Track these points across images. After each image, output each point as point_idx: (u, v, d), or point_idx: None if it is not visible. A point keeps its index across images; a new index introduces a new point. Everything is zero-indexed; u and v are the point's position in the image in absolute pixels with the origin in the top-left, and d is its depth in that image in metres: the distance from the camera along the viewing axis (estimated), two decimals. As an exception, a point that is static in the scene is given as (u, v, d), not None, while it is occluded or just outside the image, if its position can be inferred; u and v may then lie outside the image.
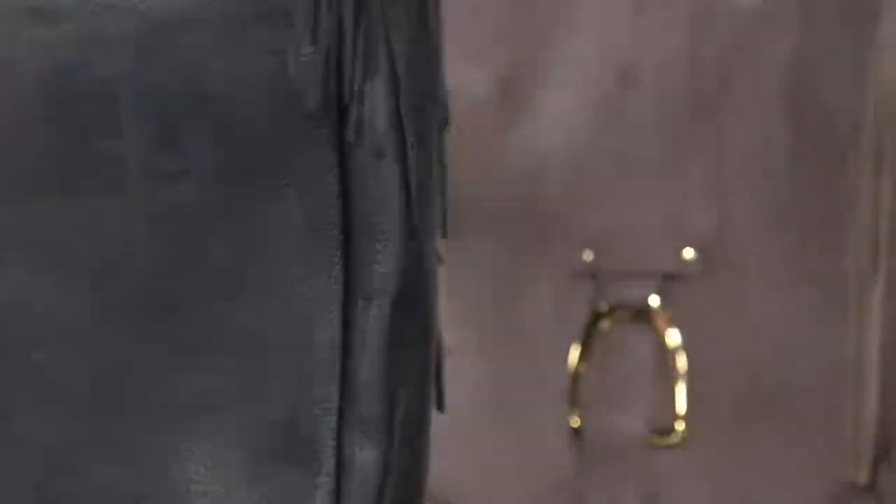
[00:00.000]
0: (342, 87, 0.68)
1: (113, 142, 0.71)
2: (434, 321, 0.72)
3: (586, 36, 1.59)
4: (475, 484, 1.54)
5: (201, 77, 0.69)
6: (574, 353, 1.54)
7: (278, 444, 0.71)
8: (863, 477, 1.49)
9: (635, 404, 1.53)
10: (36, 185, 0.71)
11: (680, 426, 1.50)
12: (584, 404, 1.53)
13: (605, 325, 1.54)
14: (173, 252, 0.71)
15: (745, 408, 1.53)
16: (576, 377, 1.54)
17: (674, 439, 1.51)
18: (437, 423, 0.80)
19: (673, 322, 1.52)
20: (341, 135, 0.68)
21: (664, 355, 1.51)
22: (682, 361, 1.51)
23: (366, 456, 0.71)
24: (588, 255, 1.55)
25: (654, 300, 1.52)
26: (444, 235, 0.76)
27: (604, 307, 1.54)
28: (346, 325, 0.70)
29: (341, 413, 0.70)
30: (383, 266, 0.70)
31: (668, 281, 1.52)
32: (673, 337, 1.52)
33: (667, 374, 1.50)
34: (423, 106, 0.69)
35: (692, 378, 1.50)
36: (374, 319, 0.70)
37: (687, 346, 1.51)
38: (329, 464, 0.71)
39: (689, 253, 1.53)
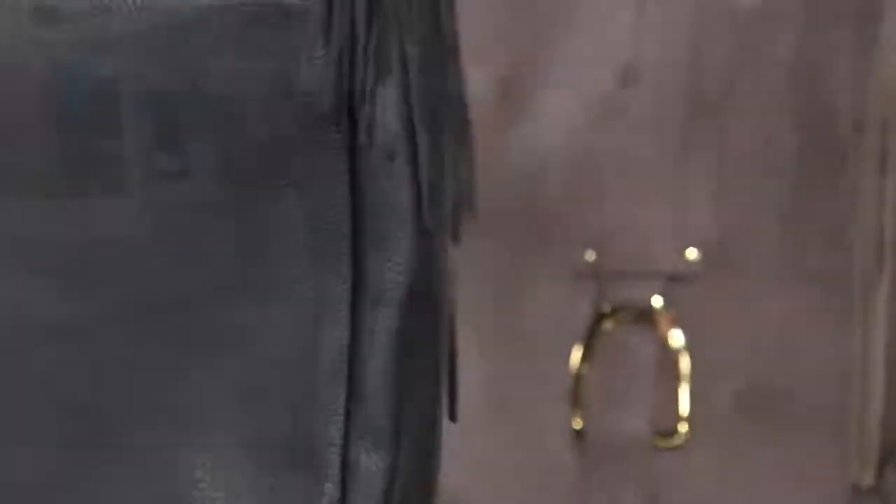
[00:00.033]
0: (354, 89, 0.67)
1: (114, 142, 0.70)
2: (446, 325, 0.71)
3: (586, 36, 1.58)
4: (476, 484, 1.53)
5: (203, 77, 0.68)
6: (576, 354, 1.53)
7: (283, 449, 0.69)
8: (868, 479, 1.47)
9: (638, 406, 1.52)
10: (36, 186, 0.70)
11: (683, 428, 1.49)
12: (586, 405, 1.53)
13: (607, 325, 1.53)
14: (174, 253, 0.70)
15: (749, 409, 1.51)
16: (578, 378, 1.53)
17: (676, 441, 1.50)
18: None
19: (676, 323, 1.51)
20: (352, 136, 0.67)
21: (667, 356, 1.50)
22: (685, 363, 1.50)
23: (372, 462, 0.69)
24: (590, 256, 1.53)
25: (657, 301, 1.52)
26: (472, 216, 0.74)
27: (606, 308, 1.53)
28: (355, 328, 0.69)
29: (348, 418, 0.69)
30: (393, 268, 0.69)
31: (672, 281, 1.52)
32: (676, 338, 1.51)
33: (669, 376, 1.50)
34: (435, 107, 0.68)
35: (695, 379, 1.50)
36: (383, 322, 0.69)
37: (690, 347, 1.50)
38: (335, 470, 0.69)
39: (692, 253, 1.52)
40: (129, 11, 0.68)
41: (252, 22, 0.66)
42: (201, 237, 0.70)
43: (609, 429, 1.52)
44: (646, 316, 1.52)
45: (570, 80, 1.60)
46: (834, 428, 1.48)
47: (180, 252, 0.70)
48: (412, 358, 0.69)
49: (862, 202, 1.54)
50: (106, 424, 0.69)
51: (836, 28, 1.60)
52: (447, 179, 0.69)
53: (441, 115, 0.69)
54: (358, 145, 0.67)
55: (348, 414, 0.69)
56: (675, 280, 1.53)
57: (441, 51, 0.69)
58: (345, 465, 0.69)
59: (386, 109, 0.67)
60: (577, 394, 1.52)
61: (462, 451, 1.52)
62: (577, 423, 1.51)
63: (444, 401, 0.73)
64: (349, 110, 0.67)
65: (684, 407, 1.49)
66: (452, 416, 0.74)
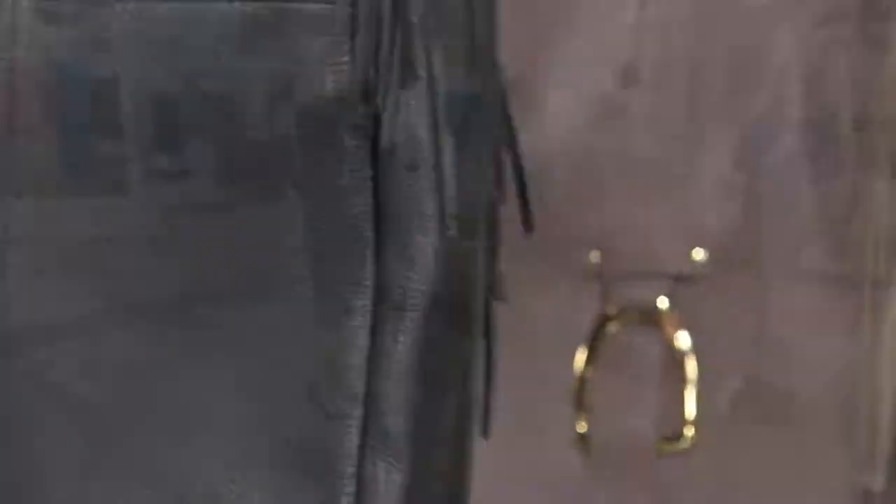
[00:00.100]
0: (378, 95, 0.66)
1: (114, 142, 0.69)
2: (477, 335, 0.69)
3: (586, 36, 1.58)
4: (478, 487, 1.52)
5: (206, 78, 0.68)
6: (580, 357, 1.51)
7: (296, 462, 0.68)
8: (878, 483, 1.45)
9: (643, 409, 1.49)
10: (37, 185, 0.70)
11: (689, 431, 1.48)
12: (591, 408, 1.50)
13: (612, 327, 1.51)
14: (177, 254, 0.70)
15: (756, 412, 1.49)
16: (582, 381, 1.50)
17: (683, 445, 1.49)
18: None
19: (682, 325, 1.50)
20: (375, 142, 0.67)
21: (673, 359, 1.50)
22: (691, 365, 1.49)
23: (390, 477, 0.68)
24: (595, 256, 1.51)
25: (662, 302, 1.51)
26: (528, 232, 0.74)
27: (611, 309, 1.51)
28: (375, 337, 0.67)
29: (365, 431, 0.68)
30: (415, 276, 0.67)
31: (678, 282, 1.51)
32: (682, 340, 1.50)
33: (676, 379, 1.49)
34: (465, 114, 0.68)
35: (702, 381, 1.49)
36: (404, 332, 0.68)
37: (696, 349, 1.50)
38: (350, 484, 0.68)
39: (699, 254, 1.52)
40: (134, 12, 0.68)
41: (274, 26, 0.66)
42: (202, 237, 0.70)
43: (614, 432, 1.50)
44: (651, 317, 1.52)
45: (570, 80, 1.60)
46: (843, 431, 1.47)
47: (181, 254, 0.70)
48: (436, 370, 0.68)
49: (872, 203, 1.54)
50: (117, 436, 0.69)
51: (838, 27, 1.60)
52: (477, 186, 0.69)
53: (471, 122, 0.68)
54: (381, 151, 0.67)
55: (365, 427, 0.67)
56: (681, 281, 1.52)
57: (473, 56, 0.69)
58: (360, 480, 0.68)
59: (410, 116, 0.67)
60: (581, 397, 1.51)
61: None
62: (582, 427, 1.51)
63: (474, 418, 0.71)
64: (374, 116, 0.67)
65: (690, 410, 1.48)
66: (484, 432, 0.73)
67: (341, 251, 0.67)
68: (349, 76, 0.66)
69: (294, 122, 0.66)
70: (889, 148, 1.60)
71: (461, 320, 0.69)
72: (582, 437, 1.51)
